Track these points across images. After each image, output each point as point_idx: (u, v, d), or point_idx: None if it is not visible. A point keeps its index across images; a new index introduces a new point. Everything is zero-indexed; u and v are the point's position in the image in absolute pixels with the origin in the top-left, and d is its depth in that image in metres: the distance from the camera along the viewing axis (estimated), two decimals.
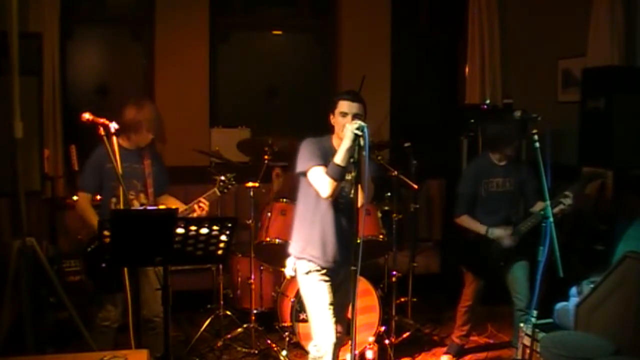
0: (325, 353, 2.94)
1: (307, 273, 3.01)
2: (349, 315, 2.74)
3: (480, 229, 3.72)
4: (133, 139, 3.36)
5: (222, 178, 3.59)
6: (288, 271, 3.17)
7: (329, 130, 3.02)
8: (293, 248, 3.10)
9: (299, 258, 3.05)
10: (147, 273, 3.40)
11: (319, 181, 2.82)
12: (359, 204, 2.65)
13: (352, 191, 2.76)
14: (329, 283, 2.99)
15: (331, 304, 2.97)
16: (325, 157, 2.87)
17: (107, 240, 2.32)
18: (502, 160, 3.78)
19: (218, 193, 3.57)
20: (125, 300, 3.05)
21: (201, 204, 3.47)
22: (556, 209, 3.37)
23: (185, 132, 5.10)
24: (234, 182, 3.63)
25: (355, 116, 2.85)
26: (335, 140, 2.98)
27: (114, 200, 3.30)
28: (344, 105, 2.90)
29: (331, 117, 2.97)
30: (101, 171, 3.29)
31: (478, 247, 3.74)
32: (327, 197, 2.82)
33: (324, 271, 3.00)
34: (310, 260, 3.00)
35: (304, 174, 2.90)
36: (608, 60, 4.59)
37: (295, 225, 3.13)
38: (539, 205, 3.68)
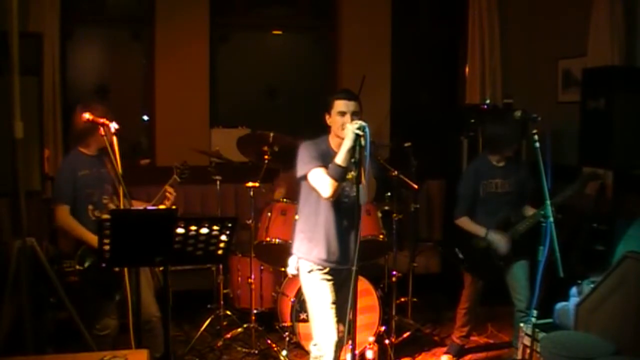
0: (326, 352, 2.94)
1: (309, 272, 3.01)
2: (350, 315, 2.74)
3: (480, 231, 3.71)
4: (92, 143, 3.28)
5: (177, 165, 3.60)
6: (290, 270, 3.17)
7: (327, 128, 3.02)
8: (296, 249, 3.10)
9: (302, 258, 3.06)
10: (144, 273, 3.40)
11: (320, 182, 2.82)
12: (361, 203, 2.65)
13: (354, 191, 2.75)
14: (331, 282, 3.00)
15: (333, 303, 2.97)
16: (323, 158, 2.87)
17: (107, 240, 2.32)
18: (501, 161, 3.78)
19: (178, 179, 3.56)
20: (122, 303, 3.05)
21: (167, 194, 3.46)
22: (559, 198, 3.38)
23: (185, 132, 5.11)
24: (187, 167, 3.62)
25: (353, 114, 2.86)
26: (332, 140, 2.99)
27: (90, 207, 3.26)
28: (341, 105, 2.90)
29: (327, 117, 2.97)
30: (75, 180, 3.22)
31: (477, 249, 3.74)
32: (329, 198, 2.82)
33: (326, 270, 3.00)
34: (314, 262, 3.00)
35: (305, 177, 2.90)
36: (608, 60, 4.59)
37: (297, 226, 3.13)
38: (527, 210, 3.70)
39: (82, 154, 3.32)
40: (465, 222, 3.77)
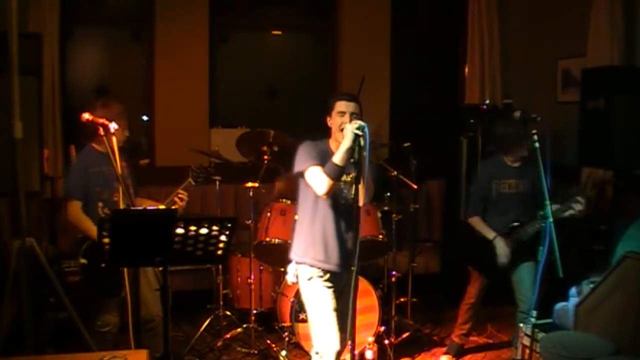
0: None
1: (309, 279, 2.98)
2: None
3: (489, 234, 3.71)
4: (102, 140, 3.28)
5: (193, 167, 3.59)
6: (290, 277, 3.12)
7: (328, 130, 3.02)
8: (294, 252, 3.08)
9: (300, 263, 3.02)
10: (146, 273, 3.40)
11: (316, 179, 2.81)
12: (360, 204, 2.64)
13: (352, 192, 2.75)
14: (332, 289, 2.97)
15: (335, 310, 2.94)
16: (323, 158, 2.86)
17: (106, 240, 2.31)
18: (516, 161, 3.76)
19: (193, 183, 3.56)
20: (124, 301, 3.05)
21: (180, 195, 3.47)
22: (566, 213, 3.37)
23: (185, 132, 5.11)
24: (204, 171, 3.61)
25: (352, 115, 2.86)
26: (332, 143, 2.98)
27: (100, 204, 3.28)
28: (341, 105, 2.91)
29: (328, 119, 2.98)
30: (86, 176, 3.26)
31: (484, 246, 3.74)
32: (323, 195, 2.81)
33: (326, 277, 2.97)
34: (312, 265, 2.97)
35: (302, 174, 2.90)
36: (608, 60, 4.60)
37: (296, 228, 3.12)
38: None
39: (94, 151, 3.34)
40: (476, 222, 3.78)
